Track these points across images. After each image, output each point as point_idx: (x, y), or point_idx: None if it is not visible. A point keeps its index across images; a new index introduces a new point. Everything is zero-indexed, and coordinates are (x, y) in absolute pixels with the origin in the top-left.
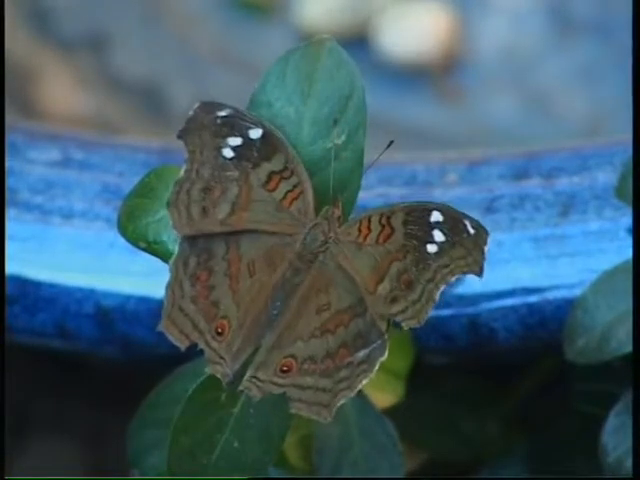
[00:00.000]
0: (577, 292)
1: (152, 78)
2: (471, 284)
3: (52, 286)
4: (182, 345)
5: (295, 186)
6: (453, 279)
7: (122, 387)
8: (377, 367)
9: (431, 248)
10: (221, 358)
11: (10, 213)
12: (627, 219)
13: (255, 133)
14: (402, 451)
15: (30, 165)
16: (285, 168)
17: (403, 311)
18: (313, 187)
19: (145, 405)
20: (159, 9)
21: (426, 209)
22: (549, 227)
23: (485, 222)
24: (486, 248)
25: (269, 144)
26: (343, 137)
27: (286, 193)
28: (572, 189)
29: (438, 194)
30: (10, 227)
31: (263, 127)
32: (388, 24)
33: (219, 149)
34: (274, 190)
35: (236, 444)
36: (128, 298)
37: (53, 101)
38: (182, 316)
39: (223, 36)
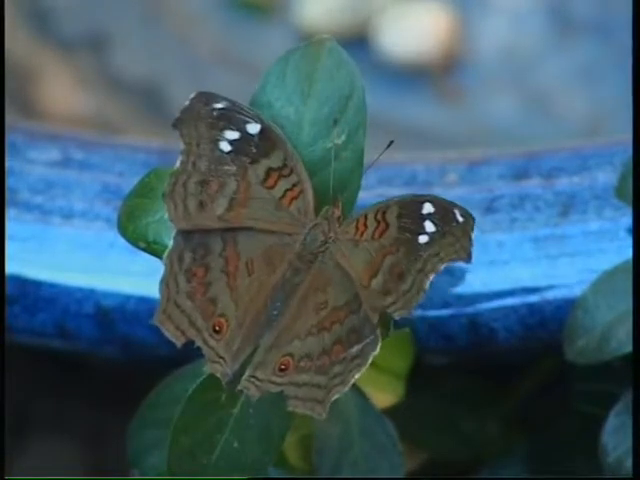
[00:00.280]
0: (577, 292)
1: (152, 78)
2: (471, 284)
3: (52, 286)
4: (178, 342)
5: (295, 185)
6: (442, 267)
7: (122, 387)
8: (370, 361)
9: (422, 239)
10: (220, 357)
11: (10, 213)
12: (627, 219)
13: (253, 128)
14: (402, 451)
15: (30, 165)
16: (284, 165)
17: (394, 302)
18: (313, 187)
19: (145, 405)
20: (159, 9)
21: (418, 201)
22: (549, 227)
23: (485, 222)
24: (473, 234)
25: (268, 140)
26: (343, 137)
27: (285, 191)
28: (572, 189)
29: (438, 194)
30: (10, 227)
31: (261, 122)
32: (388, 24)
33: (216, 142)
34: (273, 188)
35: (236, 444)
36: (128, 298)
37: (53, 101)
38: (178, 312)
39: (223, 36)
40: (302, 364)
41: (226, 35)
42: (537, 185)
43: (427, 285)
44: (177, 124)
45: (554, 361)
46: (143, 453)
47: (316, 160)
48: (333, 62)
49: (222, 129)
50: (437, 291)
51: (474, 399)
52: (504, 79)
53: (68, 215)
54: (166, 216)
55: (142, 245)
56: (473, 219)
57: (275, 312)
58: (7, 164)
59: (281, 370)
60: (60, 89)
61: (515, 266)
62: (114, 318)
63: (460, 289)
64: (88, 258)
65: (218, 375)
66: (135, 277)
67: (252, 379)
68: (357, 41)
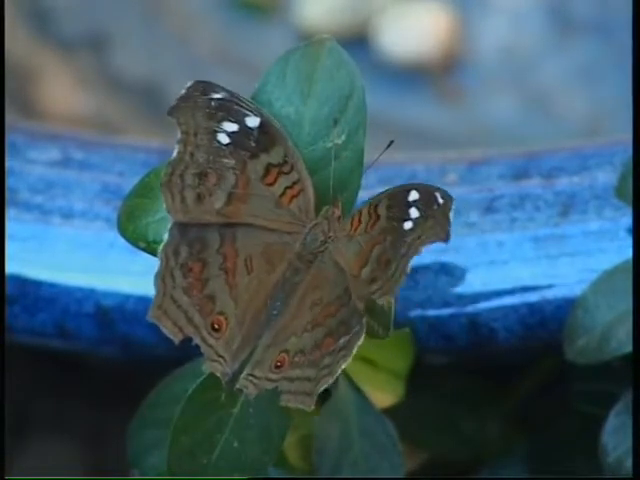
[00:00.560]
0: (577, 292)
1: (152, 78)
2: (471, 284)
3: (52, 286)
4: (176, 338)
5: (295, 183)
6: (423, 248)
7: (122, 387)
8: (355, 351)
9: (407, 225)
10: (219, 356)
11: (10, 213)
12: (627, 219)
13: (252, 121)
14: (402, 451)
15: (30, 165)
16: (284, 162)
17: (380, 288)
18: (313, 186)
19: (145, 405)
20: (159, 9)
21: (405, 190)
22: (549, 227)
23: (485, 222)
24: (451, 214)
25: (267, 135)
26: (343, 137)
27: (285, 189)
28: (572, 189)
29: None
30: (10, 227)
31: (261, 116)
32: (388, 24)
33: (214, 133)
34: (272, 185)
35: (236, 444)
36: (128, 298)
37: (53, 101)
38: (175, 307)
39: (223, 36)
40: (296, 359)
41: (226, 35)
42: (537, 185)
43: (409, 268)
44: (173, 112)
45: (554, 361)
46: (143, 453)
47: (316, 160)
48: (333, 62)
49: (220, 120)
50: (437, 291)
51: (474, 399)
52: (504, 79)
53: (68, 215)
54: (166, 216)
55: (142, 245)
56: (452, 200)
57: (275, 312)
58: (7, 164)
59: (277, 367)
60: (60, 89)
61: (515, 266)
62: (114, 318)
63: (460, 289)
64: (88, 258)
65: (217, 374)
66: (135, 277)
67: (250, 377)
68: (357, 41)
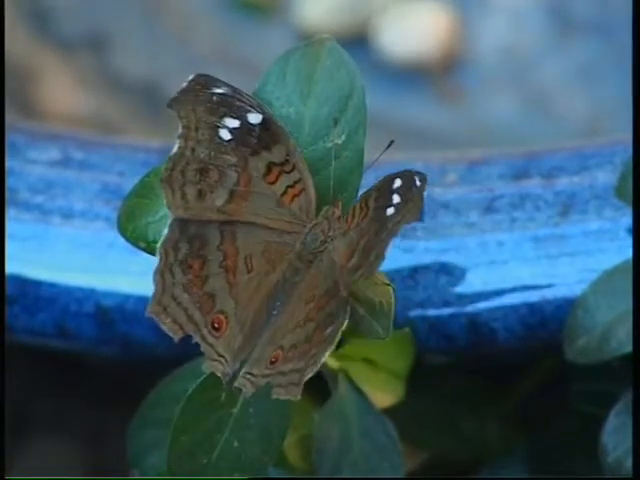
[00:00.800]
0: (577, 292)
1: (152, 78)
2: (471, 284)
3: (52, 286)
4: (176, 336)
5: (296, 182)
6: (400, 230)
7: (122, 387)
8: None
9: (389, 211)
10: (220, 356)
11: (10, 213)
12: (627, 219)
13: (255, 118)
14: (402, 451)
15: (30, 165)
16: (286, 161)
17: (363, 274)
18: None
19: (145, 405)
20: (159, 9)
21: (391, 178)
22: (549, 227)
23: (485, 222)
24: (425, 194)
25: (269, 132)
26: (343, 137)
27: (286, 188)
28: (572, 189)
29: (438, 194)
30: (10, 227)
31: (263, 113)
32: (388, 24)
33: (215, 129)
34: (274, 183)
35: (236, 444)
36: (128, 298)
37: (53, 101)
38: (174, 304)
39: (223, 36)
40: (289, 354)
41: (226, 35)
42: (537, 185)
43: (387, 250)
44: (173, 104)
45: (554, 361)
46: (143, 453)
47: (316, 160)
48: (333, 62)
49: (222, 115)
50: (437, 291)
51: (474, 399)
52: (504, 79)
53: (68, 215)
54: (166, 216)
55: (142, 245)
56: (426, 180)
57: (275, 312)
58: (7, 164)
59: (271, 363)
60: (60, 89)
61: (515, 266)
62: (114, 318)
63: (460, 289)
64: (88, 258)
65: (218, 374)
66: (135, 277)
67: (248, 376)
68: (357, 41)
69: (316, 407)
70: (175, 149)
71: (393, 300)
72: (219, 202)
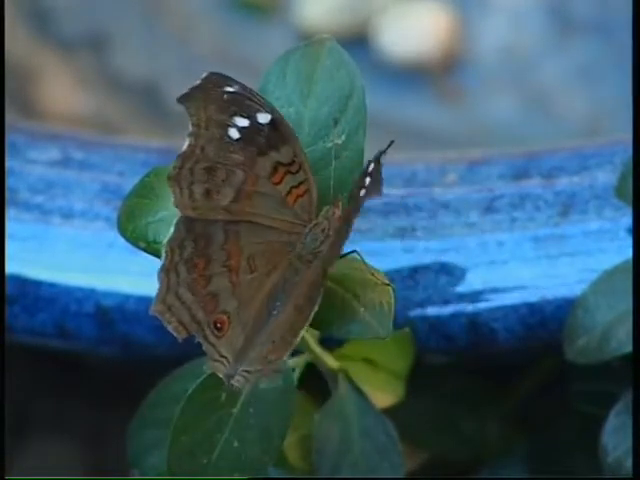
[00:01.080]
0: (577, 292)
1: (152, 78)
2: (471, 284)
3: (52, 286)
4: (179, 335)
5: (301, 183)
6: (362, 205)
7: (122, 387)
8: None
9: (362, 192)
10: (222, 357)
11: (10, 213)
12: (627, 219)
13: (264, 117)
14: (402, 451)
15: (30, 165)
16: (293, 162)
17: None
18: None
19: (145, 405)
20: (159, 9)
21: (367, 165)
22: (549, 227)
23: (485, 222)
24: (382, 168)
25: (278, 132)
26: (343, 137)
27: (291, 189)
28: (572, 189)
29: (438, 194)
30: (10, 227)
31: (273, 113)
32: (388, 24)
33: (225, 127)
34: (279, 184)
35: (236, 444)
36: (128, 298)
37: (53, 101)
38: (179, 304)
39: (223, 36)
40: (277, 345)
41: (226, 35)
42: (537, 185)
43: (353, 223)
44: (184, 99)
45: (554, 361)
46: (143, 453)
47: (316, 160)
48: (333, 62)
49: (232, 114)
50: (437, 291)
51: (474, 399)
52: (504, 79)
53: (68, 215)
54: (166, 216)
55: (142, 245)
56: (382, 153)
57: (275, 312)
58: (7, 164)
59: (265, 358)
60: (60, 89)
61: (515, 266)
62: (114, 318)
63: (460, 289)
64: (88, 258)
65: (219, 374)
66: (135, 277)
67: (244, 373)
68: (357, 41)
69: (316, 407)
70: (185, 147)
71: (393, 300)
72: (225, 201)
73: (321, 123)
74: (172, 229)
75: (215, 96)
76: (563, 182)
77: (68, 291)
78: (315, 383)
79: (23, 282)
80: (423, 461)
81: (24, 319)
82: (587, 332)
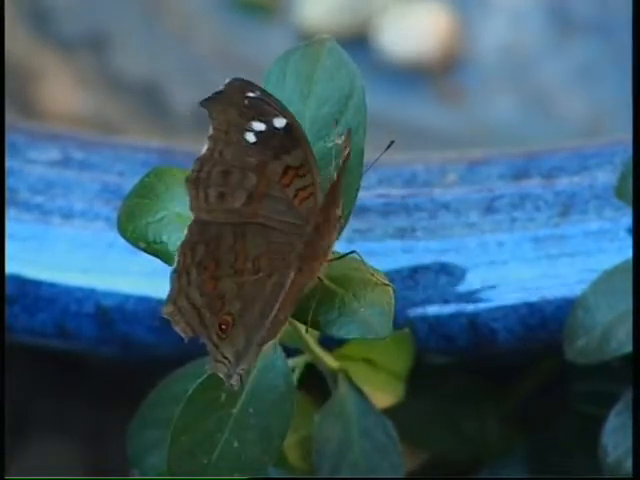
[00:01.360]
0: (577, 292)
1: (152, 78)
2: (471, 284)
3: (52, 286)
4: (186, 337)
5: (307, 186)
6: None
7: (122, 387)
8: None
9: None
10: (224, 357)
11: (10, 213)
12: (627, 219)
13: (279, 122)
14: (402, 451)
15: (30, 165)
16: (302, 165)
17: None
18: None
19: (145, 405)
20: (159, 9)
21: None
22: (549, 227)
23: (485, 222)
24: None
25: (291, 137)
26: (343, 137)
27: (297, 191)
28: (572, 189)
29: (438, 194)
30: (10, 227)
31: (288, 117)
32: (388, 24)
33: (243, 132)
34: (288, 186)
35: (236, 444)
36: (128, 298)
37: (53, 101)
38: (189, 306)
39: (223, 36)
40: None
41: (226, 35)
42: (537, 185)
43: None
44: (206, 104)
45: (554, 361)
46: (143, 453)
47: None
48: (333, 62)
49: (251, 119)
50: (437, 291)
51: (474, 399)
52: (504, 79)
53: (68, 215)
54: (166, 216)
55: (142, 245)
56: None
57: (274, 313)
58: (7, 164)
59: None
60: (60, 89)
61: (515, 266)
62: (114, 318)
63: (460, 289)
64: (88, 258)
65: (221, 375)
66: (135, 277)
67: (241, 371)
68: (357, 41)
69: (316, 407)
70: (204, 151)
71: (393, 300)
72: (237, 204)
73: (321, 123)
74: (185, 231)
75: (237, 101)
76: (563, 182)
77: (68, 291)
78: (315, 383)
79: (23, 282)
80: (423, 461)
81: (24, 319)
82: (587, 332)
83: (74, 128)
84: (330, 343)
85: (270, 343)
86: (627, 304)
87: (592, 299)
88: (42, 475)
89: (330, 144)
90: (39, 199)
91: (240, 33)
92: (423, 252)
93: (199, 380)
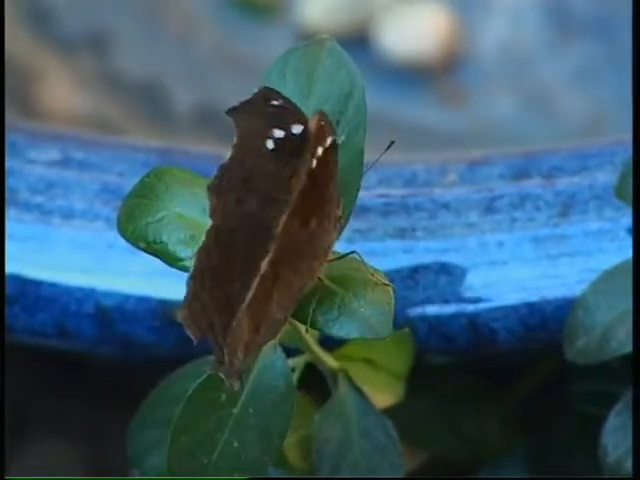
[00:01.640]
0: (577, 292)
1: (152, 78)
2: (471, 284)
3: (52, 286)
4: (195, 338)
5: None
6: None
7: (122, 387)
8: None
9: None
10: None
11: (10, 213)
12: (627, 219)
13: (297, 128)
14: (402, 451)
15: (30, 165)
16: None
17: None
18: None
19: (145, 405)
20: (159, 9)
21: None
22: (549, 227)
23: (485, 222)
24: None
25: (305, 142)
26: (343, 137)
27: None
28: (572, 189)
29: (438, 194)
30: (10, 227)
31: (304, 123)
32: (388, 24)
33: (265, 139)
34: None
35: (236, 444)
36: (128, 298)
37: (53, 101)
38: (201, 309)
39: (224, 36)
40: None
41: (226, 35)
42: (537, 185)
43: None
44: (232, 113)
45: (554, 361)
46: (143, 453)
47: None
48: (333, 62)
49: (273, 127)
50: (437, 291)
51: (474, 399)
52: (504, 79)
53: (68, 215)
54: (166, 216)
55: (142, 245)
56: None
57: (274, 313)
58: (7, 164)
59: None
60: (60, 89)
61: (515, 266)
62: (114, 318)
63: (460, 289)
64: (88, 258)
65: (222, 376)
66: (135, 277)
67: (241, 372)
68: (357, 41)
69: (316, 407)
70: (228, 158)
71: (393, 300)
72: (252, 209)
73: None
74: (204, 237)
75: (262, 109)
76: (563, 182)
77: (68, 291)
78: (315, 383)
79: (23, 282)
80: (423, 461)
81: (24, 319)
82: (587, 332)
83: (74, 128)
84: (330, 343)
85: (270, 343)
86: (627, 304)
87: (592, 299)
88: (42, 475)
89: None
90: (39, 199)
91: (240, 33)
92: (423, 252)
93: (199, 380)
